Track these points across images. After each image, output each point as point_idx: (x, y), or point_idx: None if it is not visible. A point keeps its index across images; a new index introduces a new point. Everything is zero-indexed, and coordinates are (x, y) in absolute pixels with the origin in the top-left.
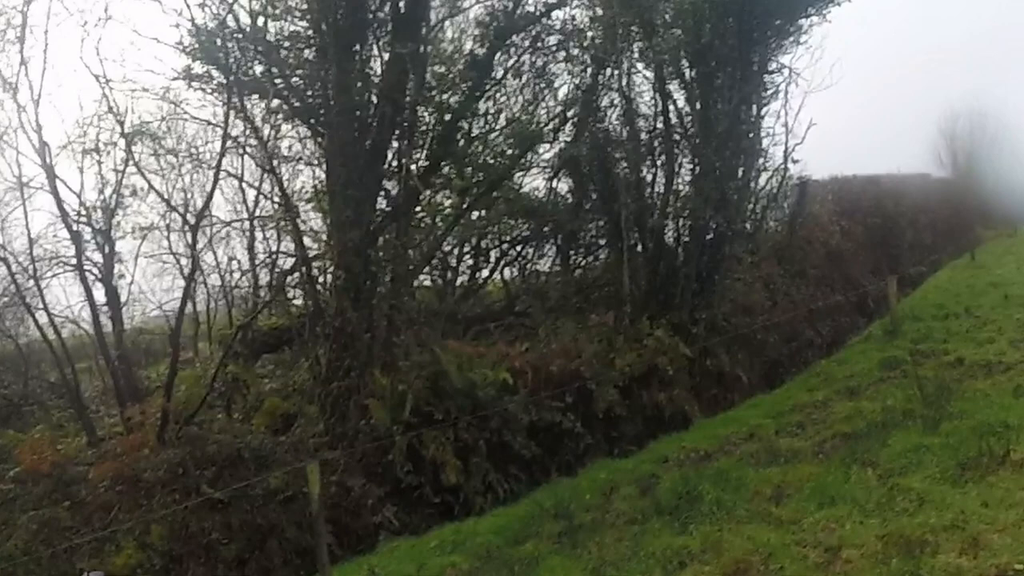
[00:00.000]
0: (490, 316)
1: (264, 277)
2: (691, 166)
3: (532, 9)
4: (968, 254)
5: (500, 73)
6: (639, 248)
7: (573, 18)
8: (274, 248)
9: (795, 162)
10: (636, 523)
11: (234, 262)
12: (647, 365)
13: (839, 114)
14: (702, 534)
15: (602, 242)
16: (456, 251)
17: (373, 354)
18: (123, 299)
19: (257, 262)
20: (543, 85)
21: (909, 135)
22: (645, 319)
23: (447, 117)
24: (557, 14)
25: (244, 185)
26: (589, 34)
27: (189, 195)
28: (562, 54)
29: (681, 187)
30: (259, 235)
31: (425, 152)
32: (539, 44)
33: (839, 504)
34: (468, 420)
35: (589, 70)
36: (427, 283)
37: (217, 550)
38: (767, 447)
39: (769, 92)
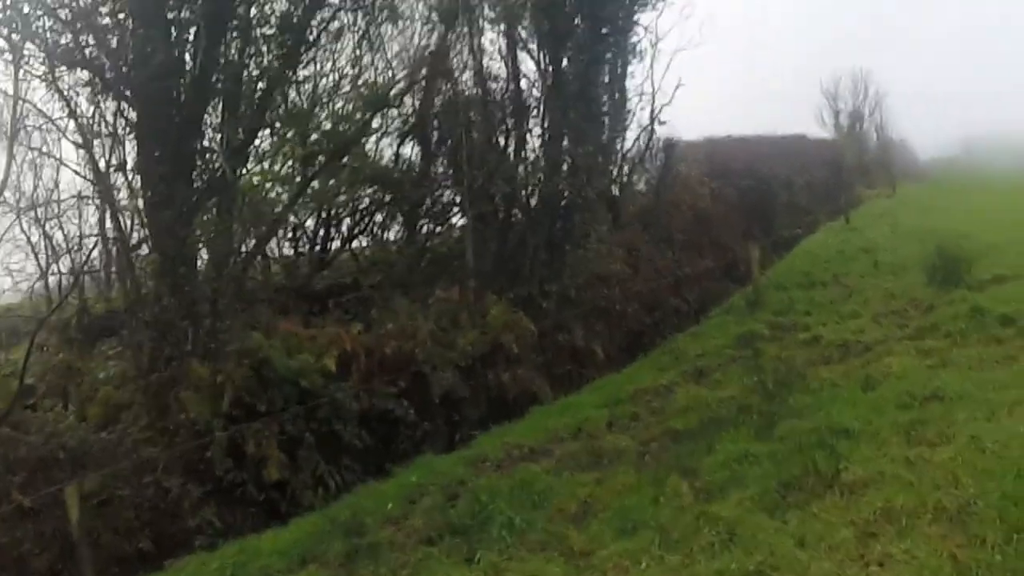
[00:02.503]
0: (340, 290)
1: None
2: (541, 131)
3: None
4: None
5: (319, 35)
6: (488, 218)
7: None
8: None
9: (662, 123)
10: (427, 544)
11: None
12: (491, 343)
13: (720, 74)
14: (486, 565)
15: (452, 211)
16: (307, 223)
17: (193, 342)
18: None
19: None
20: (377, 46)
21: (791, 96)
22: (491, 294)
23: (263, 84)
24: None
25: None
26: None
27: None
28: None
29: (532, 153)
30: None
31: (243, 123)
32: (360, 3)
33: (641, 532)
34: (294, 411)
35: (437, 30)
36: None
37: (28, 562)
38: (590, 447)
39: (630, 52)
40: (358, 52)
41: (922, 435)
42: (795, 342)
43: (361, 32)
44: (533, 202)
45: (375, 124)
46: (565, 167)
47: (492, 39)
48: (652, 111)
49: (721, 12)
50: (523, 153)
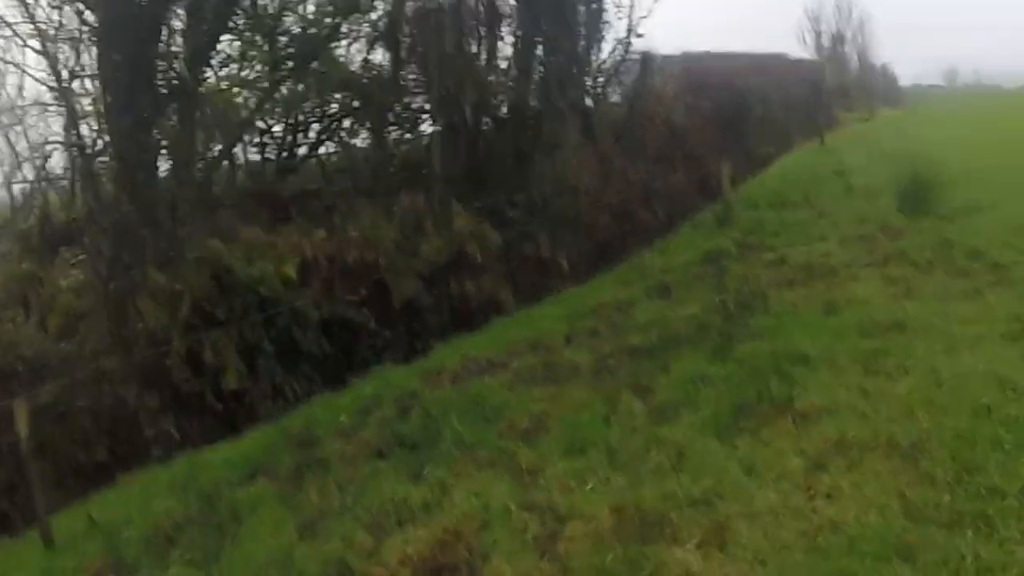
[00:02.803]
0: (305, 196)
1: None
2: (513, 39)
3: None
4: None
5: None
6: (457, 126)
7: None
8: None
9: (639, 36)
10: (377, 458)
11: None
12: (456, 252)
13: None
14: (433, 482)
15: (421, 119)
16: (274, 128)
17: (153, 250)
18: None
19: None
20: None
21: (774, 13)
22: (458, 202)
23: None
24: None
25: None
26: None
27: None
28: None
29: (504, 62)
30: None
31: (205, 27)
32: None
33: (590, 451)
34: (254, 319)
35: None
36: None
37: None
38: (547, 360)
39: None
40: None
41: (881, 365)
42: (761, 262)
43: None
44: (503, 111)
45: (344, 29)
46: (537, 76)
47: None
48: (629, 23)
49: None
50: (494, 61)
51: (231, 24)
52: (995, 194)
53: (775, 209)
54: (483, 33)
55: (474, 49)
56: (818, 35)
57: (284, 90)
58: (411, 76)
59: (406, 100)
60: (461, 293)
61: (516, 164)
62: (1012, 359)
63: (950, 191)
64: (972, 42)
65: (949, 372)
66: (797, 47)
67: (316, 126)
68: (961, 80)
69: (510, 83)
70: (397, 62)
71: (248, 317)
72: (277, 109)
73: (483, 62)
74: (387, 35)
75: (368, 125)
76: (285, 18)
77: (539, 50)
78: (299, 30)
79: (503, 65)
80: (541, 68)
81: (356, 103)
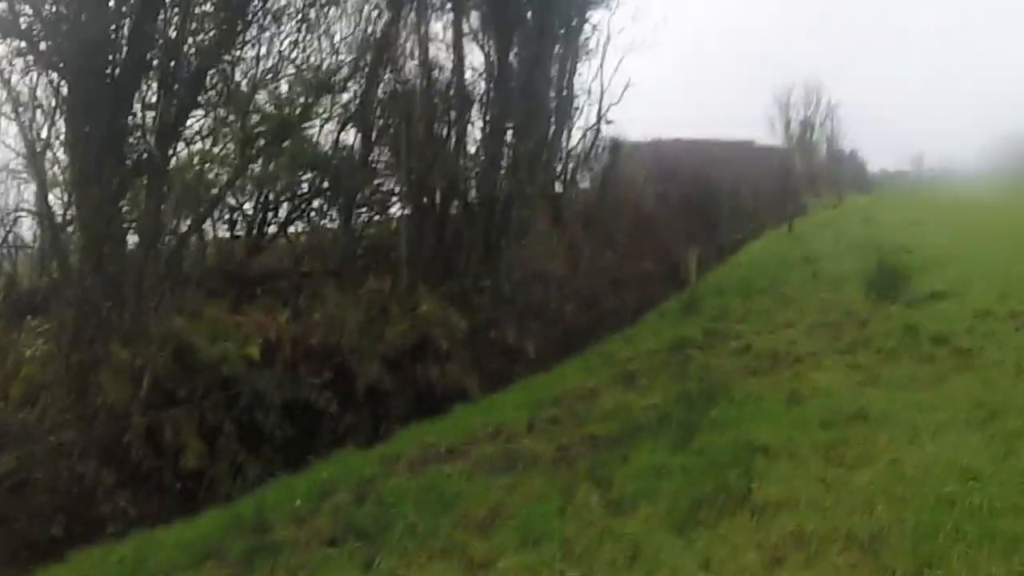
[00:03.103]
0: (274, 275)
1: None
2: (483, 124)
3: None
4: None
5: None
6: (427, 209)
7: None
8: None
9: (609, 123)
10: (329, 545)
11: None
12: (421, 337)
13: (671, 75)
14: (385, 572)
15: (391, 201)
16: (244, 205)
17: (117, 324)
18: None
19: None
20: (323, 30)
21: (745, 101)
22: (426, 286)
23: (198, 63)
24: None
25: None
26: None
27: None
28: None
29: (474, 146)
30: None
31: (176, 101)
32: None
33: (545, 544)
34: (215, 399)
35: (384, 16)
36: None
37: None
38: (507, 449)
39: (581, 49)
40: (299, 35)
41: (842, 456)
42: (726, 350)
43: (302, 15)
44: (472, 196)
45: (318, 109)
46: (506, 162)
47: (440, 28)
48: (599, 110)
49: (676, 14)
50: (465, 146)
51: (202, 99)
52: (959, 281)
53: (742, 296)
54: (453, 117)
55: (444, 132)
56: (788, 122)
57: (256, 168)
58: (382, 159)
59: (377, 182)
60: (426, 379)
61: (484, 250)
62: (975, 446)
63: (917, 277)
64: (939, 126)
65: (911, 462)
66: (766, 133)
67: (287, 205)
68: (927, 165)
69: (478, 169)
70: (368, 144)
71: (210, 396)
72: (248, 187)
73: (453, 146)
74: (358, 117)
75: (337, 206)
76: (258, 96)
77: (508, 136)
78: (272, 108)
79: (473, 150)
80: (510, 153)
81: (326, 184)
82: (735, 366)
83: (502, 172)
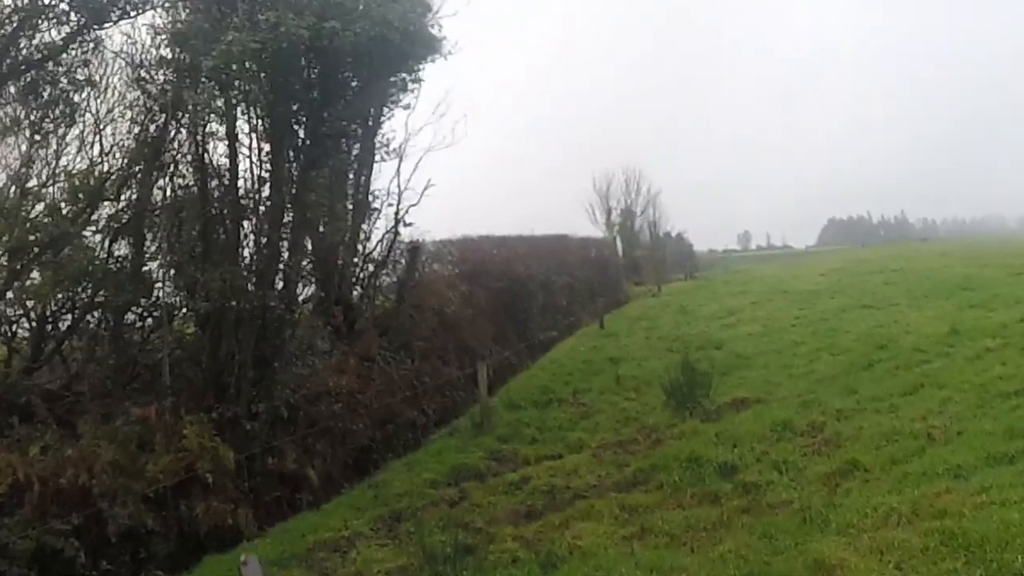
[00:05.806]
0: (50, 397)
1: None
2: (254, 237)
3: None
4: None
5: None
6: (203, 327)
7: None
8: None
9: (407, 224)
10: None
11: None
12: (186, 470)
13: (477, 175)
14: None
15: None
16: (18, 322)
17: None
18: None
19: None
20: (53, 136)
21: (564, 193)
22: (197, 412)
23: None
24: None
25: None
26: (160, 78)
27: None
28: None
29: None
30: None
31: None
32: (36, 95)
33: None
34: None
35: (156, 119)
36: None
37: None
38: None
39: (379, 150)
40: (30, 149)
41: None
42: (503, 484)
43: (34, 128)
44: (246, 308)
45: (94, 216)
46: (282, 271)
47: (216, 132)
48: (397, 212)
49: (487, 109)
50: (239, 259)
51: None
52: (762, 383)
53: (539, 408)
54: (226, 229)
55: (221, 241)
56: (608, 212)
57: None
58: (160, 269)
59: (154, 296)
60: (191, 517)
61: (257, 372)
62: None
63: (720, 381)
64: (764, 204)
65: None
66: (588, 223)
67: (68, 319)
68: (754, 243)
69: (247, 284)
70: (140, 254)
71: None
72: (24, 299)
73: (227, 257)
74: (132, 225)
75: (110, 321)
76: (26, 204)
77: (284, 245)
78: (45, 217)
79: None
80: (282, 268)
81: (101, 296)
82: (507, 506)
83: (272, 289)
